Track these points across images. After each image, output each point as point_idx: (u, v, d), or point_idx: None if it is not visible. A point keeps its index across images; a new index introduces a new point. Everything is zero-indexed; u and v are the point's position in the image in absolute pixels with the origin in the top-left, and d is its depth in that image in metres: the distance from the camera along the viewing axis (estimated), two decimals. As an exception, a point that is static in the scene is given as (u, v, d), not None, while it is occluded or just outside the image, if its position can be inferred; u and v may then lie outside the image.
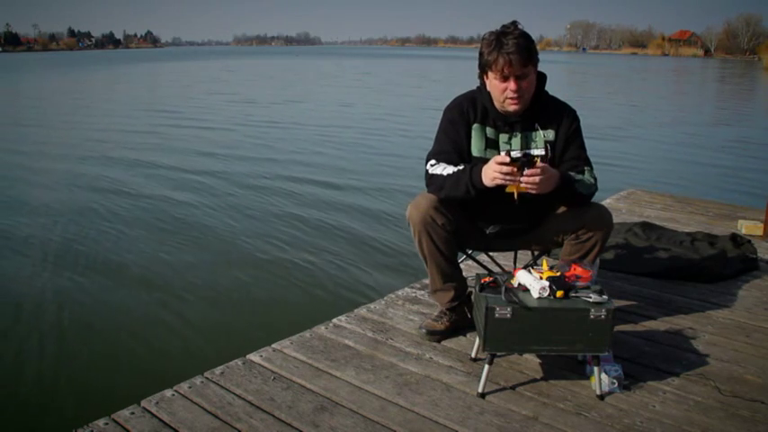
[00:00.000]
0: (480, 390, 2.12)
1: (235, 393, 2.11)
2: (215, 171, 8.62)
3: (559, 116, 2.36)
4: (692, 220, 4.46)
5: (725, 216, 4.60)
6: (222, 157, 9.69)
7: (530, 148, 2.34)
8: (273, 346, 2.46)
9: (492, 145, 2.34)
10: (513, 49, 2.16)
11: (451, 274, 2.48)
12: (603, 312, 1.99)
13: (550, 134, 2.35)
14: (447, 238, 2.36)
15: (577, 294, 2.05)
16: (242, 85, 28.55)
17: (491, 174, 2.12)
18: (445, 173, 2.28)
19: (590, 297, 2.03)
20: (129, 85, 29.85)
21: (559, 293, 2.02)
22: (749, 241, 3.72)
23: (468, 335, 2.55)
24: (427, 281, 2.62)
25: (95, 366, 3.40)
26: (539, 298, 2.03)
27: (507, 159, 2.09)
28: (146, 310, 4.12)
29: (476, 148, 2.34)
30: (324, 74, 39.01)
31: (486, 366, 2.11)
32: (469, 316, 2.53)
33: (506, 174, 2.09)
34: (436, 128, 2.43)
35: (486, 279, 2.17)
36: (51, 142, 11.45)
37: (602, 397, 2.11)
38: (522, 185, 2.11)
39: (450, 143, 2.36)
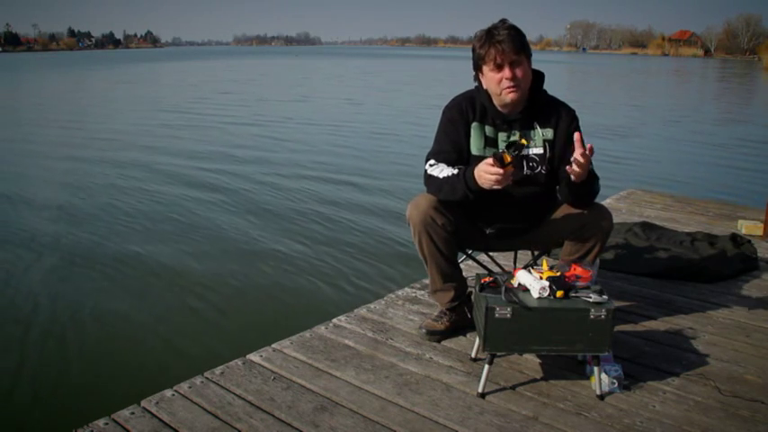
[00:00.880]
0: (480, 390, 2.12)
1: (235, 393, 2.11)
2: (216, 170, 8.61)
3: (558, 115, 2.36)
4: (692, 220, 4.46)
5: (725, 216, 4.60)
6: (221, 157, 9.68)
7: (528, 148, 2.34)
8: (273, 346, 2.46)
9: (491, 143, 2.34)
10: (504, 37, 2.19)
11: (451, 275, 2.48)
12: (603, 312, 1.99)
13: (549, 133, 2.35)
14: (447, 239, 2.36)
15: (577, 294, 2.05)
16: (249, 85, 28.69)
17: (486, 180, 2.10)
18: (441, 175, 2.28)
19: (590, 297, 2.03)
20: (138, 84, 29.85)
21: (559, 293, 2.02)
22: (749, 241, 3.72)
23: (468, 335, 2.55)
24: (427, 281, 2.62)
25: (95, 366, 3.40)
26: (539, 298, 2.03)
27: (500, 170, 2.05)
28: (146, 311, 4.12)
29: (475, 146, 2.35)
30: (329, 74, 39.11)
31: (486, 366, 2.11)
32: (469, 316, 2.53)
33: (503, 177, 2.08)
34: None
35: (486, 279, 2.17)
36: (69, 141, 11.51)
37: (602, 397, 2.11)
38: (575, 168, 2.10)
39: (450, 143, 2.36)
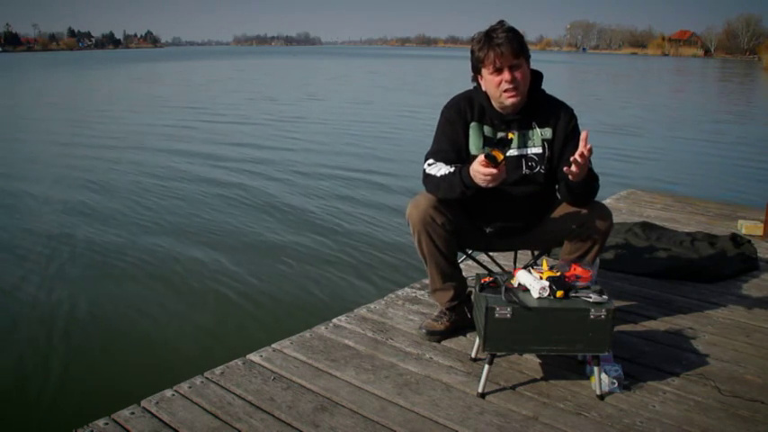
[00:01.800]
0: (480, 390, 2.12)
1: (235, 393, 2.11)
2: (216, 171, 8.61)
3: (557, 114, 2.36)
4: (692, 220, 4.46)
5: (725, 216, 4.60)
6: (221, 157, 9.68)
7: (527, 147, 2.34)
8: (273, 346, 2.46)
9: (490, 143, 2.34)
10: (503, 40, 2.19)
11: (451, 274, 2.48)
12: (603, 312, 1.99)
13: (548, 132, 2.35)
14: (447, 238, 2.36)
15: (577, 294, 2.05)
16: (257, 84, 28.77)
17: (481, 180, 2.10)
18: (439, 174, 2.28)
19: (590, 297, 2.03)
20: (146, 83, 29.91)
21: (559, 293, 2.03)
22: (749, 241, 3.72)
23: (468, 335, 2.55)
24: (427, 281, 2.62)
25: (95, 366, 3.40)
26: (539, 298, 2.03)
27: (494, 170, 2.05)
28: (146, 311, 4.12)
29: (474, 146, 2.35)
30: (334, 73, 39.16)
31: (486, 366, 2.11)
32: (469, 316, 2.53)
33: (497, 175, 2.07)
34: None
35: (486, 279, 2.17)
36: (86, 138, 11.56)
37: (602, 397, 2.11)
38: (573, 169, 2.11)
39: (448, 142, 2.36)
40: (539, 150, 2.34)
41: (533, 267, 2.19)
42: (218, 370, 2.25)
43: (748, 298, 3.04)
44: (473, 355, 2.38)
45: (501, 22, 2.26)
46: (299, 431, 1.91)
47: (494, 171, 2.05)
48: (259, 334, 3.45)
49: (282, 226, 6.03)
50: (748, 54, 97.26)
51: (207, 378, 2.20)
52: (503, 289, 2.06)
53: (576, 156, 2.10)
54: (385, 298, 3.01)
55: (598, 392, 2.11)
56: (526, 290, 2.08)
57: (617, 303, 2.58)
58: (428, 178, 2.33)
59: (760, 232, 4.05)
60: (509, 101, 2.26)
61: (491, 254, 2.97)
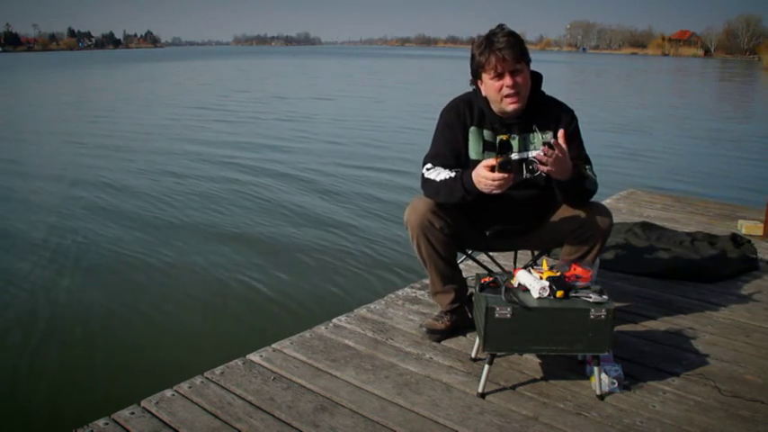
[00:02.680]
0: (480, 390, 2.12)
1: (235, 393, 2.11)
2: (216, 170, 8.62)
3: (557, 117, 2.35)
4: (692, 220, 4.46)
5: (725, 216, 4.60)
6: (221, 157, 9.69)
7: (528, 150, 2.33)
8: (273, 346, 2.46)
9: (490, 148, 2.32)
10: (504, 45, 2.17)
11: (451, 277, 2.48)
12: (603, 312, 1.99)
13: (549, 135, 2.33)
14: (445, 242, 2.36)
15: (577, 294, 2.05)
16: (262, 83, 28.81)
17: (487, 186, 2.08)
18: (438, 179, 2.26)
19: (590, 297, 2.03)
20: (149, 83, 29.94)
21: (559, 293, 2.02)
22: (749, 241, 3.72)
23: (468, 335, 2.55)
24: (427, 281, 2.62)
25: (95, 366, 3.40)
26: (539, 298, 2.03)
27: (506, 175, 2.04)
28: (146, 311, 4.12)
29: (473, 151, 2.33)
30: (338, 73, 39.15)
31: (486, 366, 2.11)
32: (470, 316, 2.52)
33: (506, 182, 2.06)
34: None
35: (486, 279, 2.17)
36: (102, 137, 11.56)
37: (602, 397, 2.11)
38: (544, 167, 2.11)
39: (447, 146, 2.35)
40: (539, 153, 2.33)
41: (533, 267, 2.19)
42: (218, 370, 2.25)
43: (748, 298, 3.04)
44: (473, 355, 2.38)
45: (501, 26, 2.24)
46: (299, 431, 1.91)
47: (505, 176, 2.04)
48: (259, 334, 3.45)
49: (282, 226, 6.03)
50: (748, 54, 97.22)
51: (207, 378, 2.20)
52: (503, 289, 2.05)
53: (540, 153, 2.10)
54: (385, 298, 3.01)
55: (598, 392, 2.11)
56: (526, 290, 2.08)
57: (617, 303, 2.58)
58: (427, 182, 2.31)
59: (760, 232, 4.05)
60: (510, 107, 2.25)
61: (491, 254, 2.97)
